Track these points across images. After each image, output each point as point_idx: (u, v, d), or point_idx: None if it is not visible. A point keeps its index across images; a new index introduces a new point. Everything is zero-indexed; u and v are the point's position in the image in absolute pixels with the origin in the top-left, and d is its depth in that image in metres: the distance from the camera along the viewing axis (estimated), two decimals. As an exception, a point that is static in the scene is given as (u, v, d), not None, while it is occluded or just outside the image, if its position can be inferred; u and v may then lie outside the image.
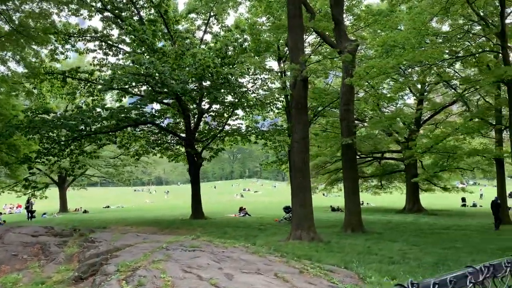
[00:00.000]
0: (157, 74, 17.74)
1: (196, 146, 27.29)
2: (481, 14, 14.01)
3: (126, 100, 25.87)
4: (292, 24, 14.84)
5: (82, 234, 14.94)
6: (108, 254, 9.99)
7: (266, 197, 65.80)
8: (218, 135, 27.40)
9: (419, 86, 35.70)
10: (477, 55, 14.76)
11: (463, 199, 42.15)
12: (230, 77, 22.17)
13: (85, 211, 38.94)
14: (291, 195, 15.45)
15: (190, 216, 25.16)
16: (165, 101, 24.78)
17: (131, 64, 19.60)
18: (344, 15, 25.46)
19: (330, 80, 33.08)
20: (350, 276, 9.16)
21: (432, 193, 38.69)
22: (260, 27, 22.85)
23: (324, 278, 8.33)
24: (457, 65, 24.52)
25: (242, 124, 28.06)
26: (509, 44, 18.61)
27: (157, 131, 25.25)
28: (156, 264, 8.63)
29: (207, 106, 26.90)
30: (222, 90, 22.53)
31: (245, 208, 29.34)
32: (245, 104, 26.54)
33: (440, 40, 14.69)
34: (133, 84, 19.51)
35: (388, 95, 30.80)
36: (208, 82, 23.11)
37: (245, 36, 25.92)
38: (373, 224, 23.49)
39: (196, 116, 26.21)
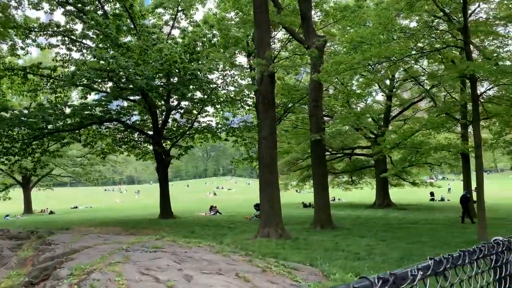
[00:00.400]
0: (120, 70, 17.15)
1: (164, 144, 26.75)
2: (446, 10, 14.09)
3: (92, 97, 25.05)
4: (259, 19, 14.59)
5: (40, 237, 14.28)
6: (64, 257, 9.49)
7: (239, 195, 65.53)
8: (188, 133, 26.93)
9: (388, 82, 36.18)
10: (441, 50, 14.85)
11: (432, 194, 43.02)
12: (198, 73, 21.75)
13: (51, 212, 37.70)
14: (259, 191, 15.24)
15: (159, 216, 24.64)
16: (131, 97, 24.11)
17: (93, 59, 18.87)
18: (313, 12, 25.47)
19: (301, 77, 33.05)
20: (315, 273, 9.00)
21: (401, 188, 39.31)
22: (228, 22, 22.48)
23: (287, 277, 8.13)
24: (425, 62, 24.85)
25: (212, 121, 27.65)
26: (472, 40, 18.93)
27: (123, 128, 24.55)
28: (112, 267, 8.22)
29: (176, 102, 26.40)
30: (191, 87, 22.09)
31: (216, 207, 28.99)
32: (215, 100, 26.18)
33: (407, 36, 14.72)
34: (97, 80, 18.80)
35: (358, 91, 31.06)
36: (176, 78, 22.61)
37: (214, 32, 25.51)
38: (343, 220, 23.59)
39: (164, 113, 25.64)
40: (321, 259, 10.72)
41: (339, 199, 46.54)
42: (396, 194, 44.98)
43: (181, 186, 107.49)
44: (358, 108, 36.97)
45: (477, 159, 13.61)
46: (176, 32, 26.74)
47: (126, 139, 25.79)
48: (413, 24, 15.96)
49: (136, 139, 26.41)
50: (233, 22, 21.23)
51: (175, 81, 21.45)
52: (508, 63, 15.86)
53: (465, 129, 25.80)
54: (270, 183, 14.76)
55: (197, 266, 8.52)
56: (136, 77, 17.66)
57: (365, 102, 39.23)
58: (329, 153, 37.30)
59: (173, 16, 26.53)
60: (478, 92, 14.17)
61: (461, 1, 13.09)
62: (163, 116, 25.55)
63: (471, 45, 14.21)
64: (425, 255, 11.39)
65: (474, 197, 25.25)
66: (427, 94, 27.95)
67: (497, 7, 20.71)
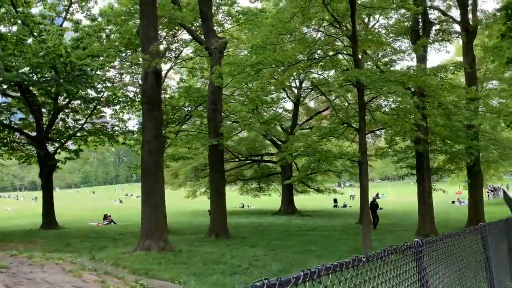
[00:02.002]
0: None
1: (53, 147, 24.23)
2: (337, 17, 14.01)
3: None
4: (144, 11, 13.41)
5: None
6: None
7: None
8: (79, 135, 24.67)
9: (295, 91, 36.71)
10: (334, 58, 14.78)
11: (335, 200, 44.40)
12: (87, 69, 19.87)
13: None
14: (141, 200, 13.92)
15: (41, 226, 22.08)
16: (13, 94, 21.42)
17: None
18: (221, 15, 24.77)
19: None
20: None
21: (307, 194, 39.99)
22: (125, 17, 20.85)
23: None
24: (332, 72, 25.24)
25: (107, 123, 25.63)
26: (368, 51, 19.40)
27: (0, 128, 21.62)
28: None
29: (66, 101, 24.05)
30: (80, 85, 20.07)
31: (110, 216, 26.85)
32: (112, 101, 24.30)
33: (298, 40, 14.44)
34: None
35: (265, 98, 30.86)
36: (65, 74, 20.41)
37: (110, 27, 23.65)
38: (244, 228, 23.00)
39: (52, 113, 23.18)
40: (195, 276, 9.78)
41: (248, 206, 46.23)
42: (303, 200, 45.81)
43: (87, 192, 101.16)
44: (268, 115, 37.04)
45: (361, 165, 13.64)
46: (69, 25, 24.40)
47: (5, 140, 22.81)
48: (309, 30, 15.76)
49: (18, 140, 23.52)
50: (123, 17, 19.60)
51: (56, 76, 19.27)
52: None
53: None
54: (153, 192, 13.54)
55: (32, 291, 7.09)
56: (6, 69, 15.36)
57: (274, 109, 39.50)
58: (238, 160, 36.87)
59: (66, 8, 24.25)
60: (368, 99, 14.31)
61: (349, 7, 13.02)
62: (51, 116, 23.07)
63: (361, 54, 14.28)
64: (307, 266, 10.98)
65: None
66: (329, 104, 28.54)
67: (395, 23, 21.67)
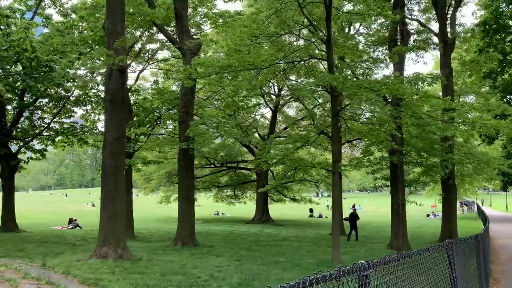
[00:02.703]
0: None
1: (17, 146, 23.11)
2: (313, 21, 13.59)
3: None
4: (110, 3, 12.70)
5: None
6: None
7: (122, 206, 61.24)
8: (45, 134, 23.63)
9: (274, 98, 36.33)
10: (308, 63, 14.33)
11: (311, 210, 44.04)
12: (55, 66, 18.97)
13: None
14: (100, 206, 13.10)
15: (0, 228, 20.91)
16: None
17: None
18: (199, 17, 24.14)
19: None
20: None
21: (283, 203, 39.49)
22: (90, 10, 19.93)
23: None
24: (312, 80, 24.87)
25: (76, 123, 24.64)
26: (346, 59, 19.08)
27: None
28: None
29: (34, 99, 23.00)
30: (46, 82, 19.14)
31: (75, 220, 25.76)
32: (82, 100, 23.39)
33: (272, 42, 13.96)
34: None
35: (242, 103, 30.39)
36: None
37: (84, 24, 22.79)
38: (214, 236, 22.29)
39: (17, 110, 22.12)
40: (147, 287, 9.07)
41: (222, 213, 45.46)
42: (280, 209, 45.35)
43: (59, 195, 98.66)
44: (248, 122, 36.52)
45: (333, 175, 13.21)
46: (39, 20, 23.42)
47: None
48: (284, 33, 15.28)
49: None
50: (89, 11, 18.69)
51: (19, 71, 18.32)
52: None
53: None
54: (112, 197, 12.74)
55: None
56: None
57: (252, 116, 39.02)
58: (213, 166, 36.15)
59: (37, 2, 23.29)
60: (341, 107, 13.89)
61: (326, 13, 12.61)
62: (15, 113, 22.00)
63: (338, 61, 13.89)
64: (269, 280, 10.37)
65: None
66: (306, 112, 28.21)
67: (374, 32, 21.49)
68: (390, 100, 15.42)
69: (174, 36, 18.98)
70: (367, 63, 20.52)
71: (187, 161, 18.12)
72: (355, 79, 11.88)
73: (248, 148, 34.76)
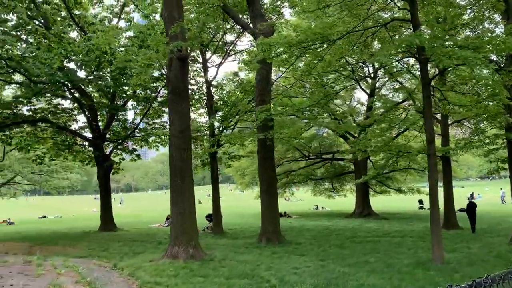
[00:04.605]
0: (14, 56, 14.57)
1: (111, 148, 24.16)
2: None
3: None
4: (165, -11, 11.98)
5: None
6: None
7: (225, 203, 62.53)
8: (138, 135, 24.35)
9: (369, 80, 33.52)
10: (388, 27, 11.98)
11: (420, 201, 39.93)
12: (133, 65, 19.13)
13: (9, 223, 35.06)
14: (170, 202, 12.48)
15: (99, 228, 21.95)
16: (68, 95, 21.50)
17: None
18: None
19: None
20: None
21: (387, 195, 36.35)
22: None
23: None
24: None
25: (166, 122, 24.98)
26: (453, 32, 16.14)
27: (56, 130, 21.77)
28: None
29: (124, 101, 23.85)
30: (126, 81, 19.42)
31: (171, 217, 26.23)
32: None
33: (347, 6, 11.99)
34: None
35: (336, 88, 28.51)
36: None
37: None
38: (306, 232, 20.80)
39: (108, 113, 23.05)
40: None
41: (322, 207, 43.56)
42: (384, 202, 42.06)
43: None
44: (340, 109, 34.32)
45: (428, 158, 10.83)
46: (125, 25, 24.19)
47: (67, 143, 23.09)
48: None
49: (79, 142, 23.74)
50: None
51: (100, 74, 18.74)
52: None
53: (446, 130, 23.05)
54: (181, 192, 12.04)
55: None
56: (36, 66, 14.89)
57: (347, 103, 36.59)
58: (307, 158, 34.53)
59: (121, 7, 24.08)
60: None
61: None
62: (107, 116, 22.95)
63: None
64: (345, 286, 8.61)
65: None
66: (405, 91, 25.17)
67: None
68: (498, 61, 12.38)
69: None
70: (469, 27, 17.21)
71: (267, 152, 16.91)
72: (447, 36, 9.45)
73: (344, 137, 32.51)
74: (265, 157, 16.91)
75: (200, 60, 22.73)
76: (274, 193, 17.02)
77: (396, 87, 32.16)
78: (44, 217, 43.84)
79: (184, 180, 12.07)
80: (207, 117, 22.54)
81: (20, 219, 40.27)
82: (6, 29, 15.90)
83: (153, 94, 23.03)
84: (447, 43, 9.24)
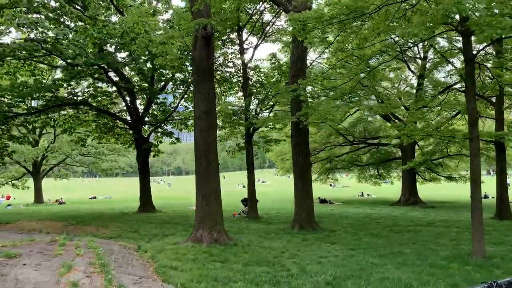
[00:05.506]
0: (48, 38, 14.78)
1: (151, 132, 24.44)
2: None
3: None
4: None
5: None
6: None
7: (270, 188, 62.44)
8: (177, 118, 24.41)
9: (419, 62, 31.66)
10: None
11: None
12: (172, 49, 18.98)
13: (60, 203, 36.85)
14: (195, 185, 12.23)
15: (138, 209, 22.36)
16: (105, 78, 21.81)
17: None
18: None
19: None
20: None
21: (437, 183, 34.43)
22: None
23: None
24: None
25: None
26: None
27: (95, 113, 22.19)
28: None
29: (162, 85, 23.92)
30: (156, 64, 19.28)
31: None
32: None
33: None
34: (34, 53, 16.39)
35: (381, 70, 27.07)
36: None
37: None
38: (344, 219, 20.02)
39: (148, 97, 23.22)
40: (215, 281, 7.65)
41: (368, 194, 42.21)
42: (434, 190, 40.05)
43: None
44: (389, 92, 32.72)
45: (471, 142, 9.76)
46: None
47: (108, 126, 23.59)
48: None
49: (120, 125, 24.16)
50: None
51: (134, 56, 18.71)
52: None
53: (500, 113, 21.32)
54: (206, 176, 11.74)
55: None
56: (70, 48, 15.05)
57: (395, 86, 34.83)
58: (351, 143, 33.34)
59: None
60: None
61: None
62: (146, 100, 23.13)
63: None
64: (367, 279, 7.90)
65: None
66: (457, 73, 23.40)
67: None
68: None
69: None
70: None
71: (300, 136, 16.25)
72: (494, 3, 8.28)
73: (388, 119, 31.00)
74: (299, 142, 16.27)
75: (237, 42, 22.24)
76: (307, 179, 16.37)
77: (447, 68, 30.17)
78: (95, 197, 45.77)
79: (210, 163, 11.75)
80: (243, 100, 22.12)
81: (72, 199, 42.26)
82: (47, 12, 16.29)
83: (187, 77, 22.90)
84: (493, 10, 8.11)
